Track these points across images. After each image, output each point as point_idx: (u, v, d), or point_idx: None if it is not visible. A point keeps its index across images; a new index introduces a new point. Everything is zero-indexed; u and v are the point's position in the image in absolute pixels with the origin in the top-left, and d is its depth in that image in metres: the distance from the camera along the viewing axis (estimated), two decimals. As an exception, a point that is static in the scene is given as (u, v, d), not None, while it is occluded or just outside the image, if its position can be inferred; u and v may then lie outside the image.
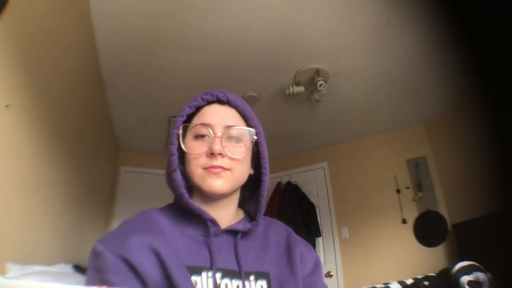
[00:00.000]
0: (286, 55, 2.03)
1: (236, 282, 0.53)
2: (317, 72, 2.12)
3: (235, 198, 0.63)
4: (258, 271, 0.56)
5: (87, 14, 1.59)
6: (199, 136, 0.57)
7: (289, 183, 3.30)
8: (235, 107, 0.61)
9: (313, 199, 3.22)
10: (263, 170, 0.61)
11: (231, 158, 0.56)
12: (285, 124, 2.89)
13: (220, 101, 0.61)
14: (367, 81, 2.31)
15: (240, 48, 1.94)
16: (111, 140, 2.84)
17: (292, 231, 0.68)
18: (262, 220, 0.64)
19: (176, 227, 0.56)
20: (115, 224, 2.85)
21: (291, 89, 2.18)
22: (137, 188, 3.13)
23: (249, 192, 0.67)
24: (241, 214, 0.65)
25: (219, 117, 0.58)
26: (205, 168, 0.55)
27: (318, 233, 3.07)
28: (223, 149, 0.55)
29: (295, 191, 3.22)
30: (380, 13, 1.73)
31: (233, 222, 0.61)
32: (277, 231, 0.65)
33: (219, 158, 0.55)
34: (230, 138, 0.58)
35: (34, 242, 1.15)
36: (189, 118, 0.61)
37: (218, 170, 0.55)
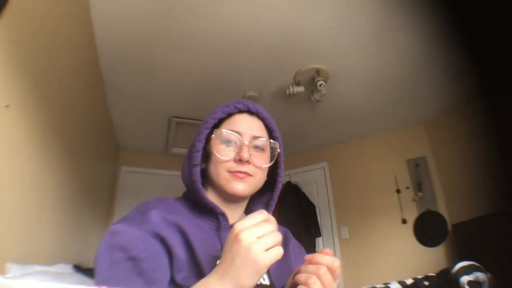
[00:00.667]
0: (286, 55, 2.03)
1: None
2: (317, 72, 2.12)
3: (246, 202, 0.69)
4: None
5: (87, 14, 1.59)
6: (228, 141, 0.62)
7: (289, 183, 3.30)
8: (262, 119, 0.68)
9: (313, 199, 3.22)
10: (278, 178, 0.68)
11: (256, 166, 0.62)
12: (285, 124, 2.89)
13: (250, 112, 0.67)
14: (367, 81, 2.31)
15: (240, 48, 1.94)
16: (111, 140, 2.84)
17: (288, 231, 0.74)
18: None
19: (190, 216, 0.60)
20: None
21: (291, 89, 2.18)
22: (137, 188, 3.13)
23: (257, 194, 0.72)
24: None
25: (248, 126, 0.64)
26: (230, 172, 0.61)
27: (318, 233, 3.07)
28: (250, 157, 0.61)
29: (295, 191, 3.22)
30: (380, 13, 1.73)
31: (238, 219, 0.65)
32: (298, 248, 0.71)
33: (246, 165, 0.60)
34: (255, 147, 0.63)
35: (34, 242, 1.15)
36: (219, 122, 0.65)
37: (243, 175, 0.60)
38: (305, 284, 0.44)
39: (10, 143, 0.95)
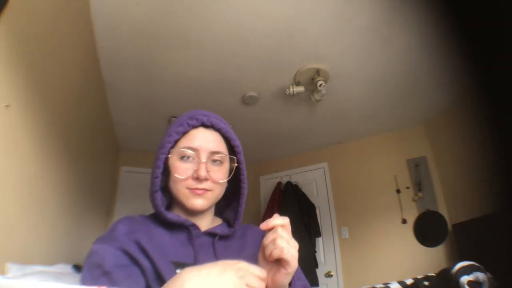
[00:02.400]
0: (286, 55, 2.03)
1: None
2: (317, 72, 2.12)
3: (212, 209, 0.71)
4: None
5: (87, 14, 1.59)
6: (185, 158, 0.64)
7: (289, 183, 3.30)
8: (218, 130, 0.68)
9: (313, 199, 3.22)
10: (242, 185, 0.70)
11: (213, 181, 0.64)
12: (285, 124, 2.89)
13: (204, 125, 0.67)
14: (367, 81, 2.31)
15: (240, 47, 1.94)
16: (111, 140, 2.84)
17: (250, 226, 0.77)
18: (240, 226, 0.73)
19: (163, 229, 0.64)
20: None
21: (291, 89, 2.18)
22: (137, 188, 3.12)
23: (225, 199, 0.73)
24: (218, 221, 0.73)
25: (204, 141, 0.65)
26: (189, 188, 0.63)
27: (318, 233, 3.07)
28: (207, 173, 0.63)
29: (295, 191, 3.22)
30: (380, 13, 1.73)
31: (211, 226, 0.69)
32: (253, 232, 0.73)
33: (204, 182, 0.63)
34: (213, 161, 0.65)
35: (34, 242, 1.15)
36: (175, 142, 0.67)
37: (201, 192, 0.63)
38: (274, 247, 0.48)
39: (10, 143, 0.95)
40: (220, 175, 0.65)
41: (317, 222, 3.11)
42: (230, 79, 2.24)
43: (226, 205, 0.75)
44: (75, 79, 1.56)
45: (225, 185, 0.69)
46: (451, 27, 1.60)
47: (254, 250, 0.65)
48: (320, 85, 2.08)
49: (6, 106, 0.89)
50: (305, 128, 3.00)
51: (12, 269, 0.87)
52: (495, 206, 1.98)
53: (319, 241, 3.12)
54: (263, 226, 0.51)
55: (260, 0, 1.62)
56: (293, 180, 3.39)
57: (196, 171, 0.62)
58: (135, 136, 3.03)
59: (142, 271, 0.55)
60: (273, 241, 0.49)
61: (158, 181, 0.64)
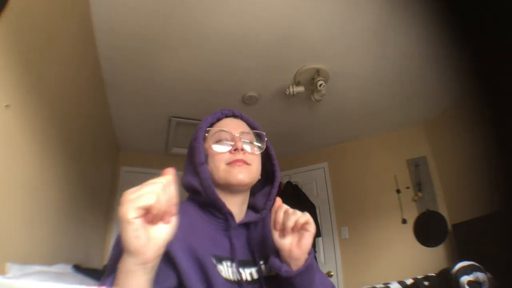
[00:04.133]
0: (286, 55, 2.03)
1: (249, 270, 0.61)
2: (317, 72, 2.12)
3: (247, 194, 0.72)
4: (265, 256, 0.64)
5: (88, 14, 1.59)
6: (220, 141, 0.68)
7: (289, 183, 3.30)
8: (246, 121, 0.76)
9: (313, 199, 3.22)
10: (275, 168, 0.74)
11: (251, 154, 0.68)
12: (285, 124, 2.89)
13: (234, 115, 0.76)
14: (367, 81, 2.31)
15: (240, 48, 1.94)
16: (111, 140, 2.84)
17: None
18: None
19: (202, 217, 0.65)
20: (115, 224, 2.84)
21: (291, 89, 2.17)
22: (137, 188, 3.12)
23: (256, 189, 0.76)
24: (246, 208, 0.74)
25: (234, 125, 0.71)
26: (228, 163, 0.65)
27: (318, 233, 3.07)
28: (243, 146, 0.67)
29: (295, 191, 3.22)
30: (380, 14, 1.73)
31: (243, 216, 0.69)
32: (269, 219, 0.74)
33: (241, 153, 0.66)
34: (245, 141, 0.70)
35: (34, 242, 1.15)
36: (211, 125, 0.72)
37: (241, 163, 0.65)
38: (289, 216, 0.56)
39: (10, 143, 0.95)
40: (255, 149, 0.70)
41: (317, 222, 3.11)
42: (230, 79, 2.24)
43: (254, 193, 0.76)
44: (75, 79, 1.56)
45: (260, 163, 0.71)
46: (450, 27, 1.60)
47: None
48: (320, 85, 2.08)
49: (6, 106, 0.89)
50: (305, 128, 3.00)
51: (12, 269, 0.87)
52: (495, 206, 1.98)
53: (319, 241, 3.12)
54: (274, 209, 0.58)
55: (260, 0, 1.62)
56: (293, 180, 3.39)
57: (232, 145, 0.66)
58: (135, 136, 3.03)
59: (177, 270, 0.53)
60: (285, 213, 0.56)
61: (202, 155, 0.65)
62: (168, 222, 0.44)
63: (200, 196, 0.65)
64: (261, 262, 0.64)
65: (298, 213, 0.57)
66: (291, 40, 1.89)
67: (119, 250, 0.43)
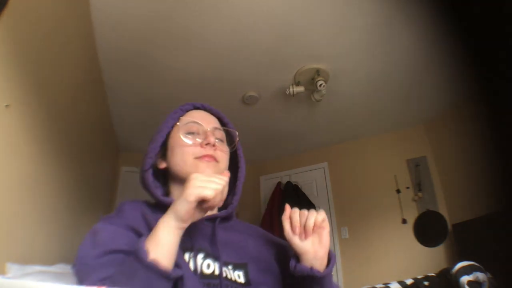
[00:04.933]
0: (286, 55, 2.03)
1: (218, 264, 0.59)
2: (317, 72, 2.12)
3: None
4: (236, 262, 0.61)
5: (88, 14, 1.59)
6: (191, 133, 0.65)
7: (289, 183, 3.30)
8: (215, 115, 0.73)
9: (313, 199, 3.22)
10: (240, 159, 0.72)
11: (221, 150, 0.65)
12: (285, 124, 2.89)
13: (204, 108, 0.73)
14: (367, 81, 2.31)
15: (240, 48, 1.94)
16: (111, 140, 2.84)
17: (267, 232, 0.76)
18: (239, 221, 0.72)
19: (157, 216, 0.61)
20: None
21: (291, 89, 2.17)
22: (137, 188, 3.07)
23: None
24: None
25: (206, 119, 0.69)
26: (198, 158, 0.63)
27: (318, 233, 3.07)
28: (215, 141, 0.64)
29: (295, 191, 3.22)
30: (380, 14, 1.73)
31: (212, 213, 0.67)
32: (256, 228, 0.74)
33: (212, 149, 0.63)
34: (216, 138, 0.67)
35: (34, 242, 1.15)
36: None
37: (210, 159, 0.63)
38: (306, 218, 0.57)
39: (10, 143, 0.95)
40: (225, 147, 0.68)
41: (317, 222, 3.11)
42: (230, 79, 2.23)
43: None
44: (75, 79, 1.56)
45: (227, 162, 0.69)
46: (451, 27, 1.60)
47: (258, 242, 0.67)
48: (320, 85, 2.08)
49: (6, 106, 0.89)
50: (305, 128, 3.00)
51: (12, 269, 0.87)
52: (495, 206, 1.98)
53: (319, 241, 3.11)
54: (285, 217, 0.60)
55: (260, 0, 1.62)
56: (293, 180, 3.39)
57: (204, 138, 0.64)
58: (135, 136, 3.03)
59: None
60: (301, 215, 0.58)
61: (150, 161, 0.65)
62: (212, 210, 0.55)
63: (154, 199, 0.65)
64: (230, 267, 0.60)
65: (313, 212, 0.58)
66: (291, 40, 1.89)
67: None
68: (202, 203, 0.49)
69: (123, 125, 2.79)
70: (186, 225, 0.50)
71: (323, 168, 3.38)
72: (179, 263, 0.50)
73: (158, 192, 0.65)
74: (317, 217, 0.57)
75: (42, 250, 1.23)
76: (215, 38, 1.85)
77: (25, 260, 0.99)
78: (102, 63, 1.98)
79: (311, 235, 0.56)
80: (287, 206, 0.61)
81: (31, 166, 1.11)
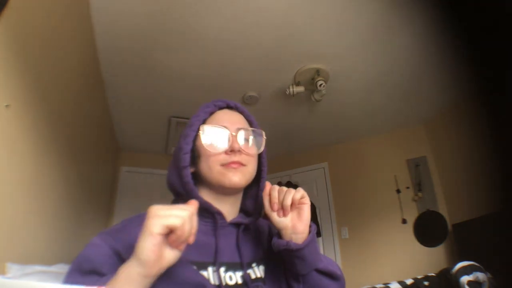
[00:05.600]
0: (286, 55, 2.03)
1: (240, 273, 0.59)
2: (317, 72, 2.12)
3: (241, 195, 0.69)
4: (257, 258, 0.63)
5: (87, 14, 1.59)
6: (215, 137, 0.63)
7: (289, 183, 3.30)
8: (241, 112, 0.70)
9: (313, 199, 3.22)
10: (263, 168, 0.69)
11: (247, 154, 0.63)
12: (285, 124, 2.89)
13: (229, 107, 0.69)
14: (367, 81, 2.31)
15: (240, 48, 1.94)
16: (111, 140, 2.84)
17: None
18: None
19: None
20: (115, 224, 2.85)
21: (291, 89, 2.17)
22: (137, 188, 3.13)
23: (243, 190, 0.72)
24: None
25: (231, 120, 0.66)
26: (224, 165, 0.61)
27: (318, 233, 3.07)
28: (240, 146, 0.62)
29: (295, 191, 3.22)
30: (380, 13, 1.73)
31: (235, 216, 0.66)
32: (261, 223, 0.73)
33: (238, 154, 0.62)
34: (242, 139, 0.64)
35: (34, 242, 1.15)
36: (203, 121, 0.67)
37: (236, 165, 0.61)
38: (283, 195, 0.57)
39: (10, 143, 0.95)
40: (252, 148, 0.65)
41: (317, 222, 3.11)
42: (230, 79, 2.24)
43: (244, 194, 0.72)
44: (75, 79, 1.56)
45: (256, 163, 0.67)
46: (451, 27, 1.60)
47: (267, 242, 0.68)
48: (320, 85, 2.08)
49: (6, 106, 0.89)
50: (305, 128, 3.00)
51: (12, 269, 0.87)
52: (495, 206, 1.98)
53: (319, 241, 3.12)
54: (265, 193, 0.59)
55: (260, 0, 1.62)
56: (293, 180, 3.39)
57: (229, 145, 0.62)
58: (135, 136, 3.03)
59: None
60: (280, 192, 0.57)
61: (187, 157, 0.61)
62: (180, 249, 0.45)
63: (183, 199, 0.62)
64: (253, 265, 0.62)
65: (291, 189, 0.57)
66: (291, 40, 1.89)
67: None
68: (168, 236, 0.43)
69: (123, 125, 2.80)
70: (152, 272, 0.42)
71: (323, 168, 3.38)
72: (200, 281, 0.51)
73: (195, 189, 0.61)
74: (295, 194, 0.56)
75: (42, 250, 1.23)
76: (215, 38, 1.85)
77: (25, 260, 0.99)
78: (102, 63, 1.98)
79: (289, 212, 0.57)
80: (267, 183, 0.61)
81: (31, 166, 1.11)
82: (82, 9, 1.54)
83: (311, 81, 2.18)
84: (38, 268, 1.00)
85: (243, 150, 0.62)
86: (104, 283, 0.44)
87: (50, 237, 1.33)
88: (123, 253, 0.52)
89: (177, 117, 2.68)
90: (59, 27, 1.28)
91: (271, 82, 2.30)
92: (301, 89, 2.20)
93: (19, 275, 0.87)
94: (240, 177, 0.61)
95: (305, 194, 0.57)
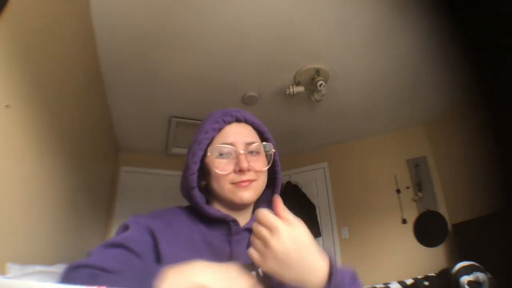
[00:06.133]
0: (286, 55, 2.03)
1: (253, 272, 0.59)
2: (317, 72, 2.12)
3: (252, 204, 0.71)
4: None
5: (88, 14, 1.59)
6: (223, 154, 0.64)
7: (289, 183, 3.30)
8: (251, 124, 0.69)
9: (313, 199, 3.22)
10: (277, 176, 0.71)
11: (256, 171, 0.64)
12: (285, 124, 2.89)
13: (238, 120, 0.68)
14: (367, 81, 2.31)
15: (240, 48, 1.94)
16: (111, 140, 2.84)
17: None
18: None
19: (195, 226, 0.64)
20: (115, 224, 2.85)
21: (291, 89, 2.17)
22: (137, 188, 3.12)
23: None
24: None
25: (239, 135, 0.66)
26: (233, 183, 0.62)
27: (318, 233, 3.07)
28: (249, 164, 0.62)
29: (295, 191, 3.22)
30: (380, 13, 1.73)
31: (248, 220, 0.69)
32: None
33: (247, 173, 0.62)
34: (250, 152, 0.65)
35: (34, 242, 1.15)
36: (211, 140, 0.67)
37: (246, 184, 0.62)
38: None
39: (10, 143, 0.95)
40: (260, 164, 0.65)
41: (317, 222, 3.11)
42: (230, 79, 2.23)
43: (261, 199, 0.73)
44: (75, 79, 1.56)
45: (266, 174, 0.68)
46: (451, 27, 1.60)
47: None
48: (320, 85, 2.08)
49: (6, 106, 0.89)
50: (305, 128, 3.00)
51: (12, 269, 0.87)
52: (495, 206, 1.98)
53: (319, 241, 3.11)
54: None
55: (260, 0, 1.62)
56: (293, 180, 3.39)
57: (237, 164, 0.62)
58: (135, 136, 3.03)
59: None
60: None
61: (194, 178, 0.63)
62: None
63: (199, 211, 0.65)
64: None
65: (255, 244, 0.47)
66: (291, 40, 1.89)
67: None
68: None
69: (123, 125, 2.79)
70: None
71: (323, 168, 3.38)
72: None
73: (206, 207, 0.64)
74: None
75: (42, 250, 1.23)
76: (215, 38, 1.85)
77: (25, 260, 0.99)
78: (102, 63, 1.98)
79: None
80: (277, 201, 0.51)
81: (31, 166, 1.11)
82: (83, 8, 1.53)
83: (311, 81, 2.18)
84: (38, 268, 1.00)
85: (252, 168, 0.63)
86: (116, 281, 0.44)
87: (50, 237, 1.33)
88: (156, 231, 0.57)
89: (177, 117, 2.68)
90: (60, 27, 1.28)
91: (271, 82, 2.30)
92: (301, 89, 2.20)
93: (19, 275, 0.87)
94: (250, 194, 0.63)
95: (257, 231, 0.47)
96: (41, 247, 1.22)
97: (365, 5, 1.68)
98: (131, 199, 3.03)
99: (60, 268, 1.19)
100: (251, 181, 0.63)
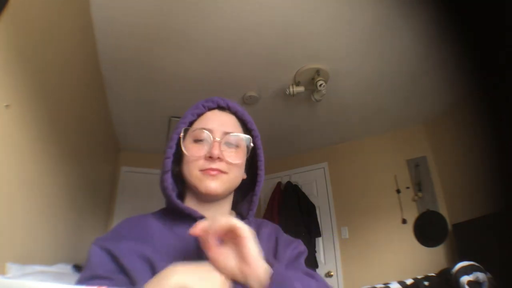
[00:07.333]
0: (286, 55, 2.03)
1: None
2: (317, 72, 2.12)
3: (229, 200, 0.65)
4: None
5: (88, 14, 1.59)
6: (199, 140, 0.60)
7: (289, 183, 3.30)
8: (234, 113, 0.65)
9: (313, 199, 3.22)
10: (259, 172, 0.65)
11: (228, 163, 0.59)
12: (285, 124, 2.89)
13: (220, 107, 0.64)
14: (367, 81, 2.31)
15: (240, 48, 1.94)
16: (111, 140, 2.84)
17: (280, 228, 0.70)
18: (254, 220, 0.67)
19: (166, 228, 0.58)
20: (115, 224, 2.85)
21: (291, 89, 2.17)
22: (137, 188, 3.13)
23: (241, 195, 0.69)
24: (233, 216, 0.66)
25: (218, 122, 0.62)
26: (202, 170, 0.58)
27: (318, 233, 3.07)
28: (221, 153, 0.58)
29: (295, 191, 3.22)
30: (380, 13, 1.73)
31: None
32: (267, 227, 0.67)
33: (217, 162, 0.58)
34: (228, 143, 0.61)
35: (34, 242, 1.15)
36: (190, 123, 0.63)
37: (215, 172, 0.58)
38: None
39: (10, 143, 0.95)
40: (235, 157, 0.60)
41: (317, 222, 3.11)
42: (230, 79, 2.23)
43: (242, 198, 0.69)
44: (75, 79, 1.56)
45: (242, 170, 0.63)
46: (451, 27, 1.60)
47: (267, 248, 0.61)
48: (320, 85, 2.08)
49: (6, 106, 0.89)
50: (305, 128, 3.00)
51: (12, 269, 0.87)
52: (495, 206, 1.98)
53: (319, 241, 3.11)
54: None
55: (260, 0, 1.62)
56: (293, 180, 3.39)
57: (209, 150, 0.58)
58: (135, 136, 3.03)
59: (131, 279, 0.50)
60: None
61: (169, 162, 0.60)
62: None
63: (167, 203, 0.61)
64: None
65: (218, 220, 0.43)
66: (291, 40, 1.89)
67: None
68: None
69: (123, 125, 2.79)
70: None
71: (323, 168, 3.38)
72: None
73: (173, 195, 0.59)
74: (221, 220, 0.44)
75: (42, 250, 1.23)
76: (216, 38, 1.85)
77: (25, 260, 0.99)
78: (102, 63, 1.98)
79: (227, 253, 0.45)
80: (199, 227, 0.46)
81: (31, 166, 1.11)
82: (83, 8, 1.53)
83: (311, 81, 2.18)
84: (38, 268, 1.00)
85: (224, 158, 0.58)
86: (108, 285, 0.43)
87: (50, 237, 1.33)
88: (118, 256, 0.51)
89: (177, 117, 2.68)
90: (60, 27, 1.28)
91: (271, 82, 2.30)
92: (301, 89, 2.20)
93: (19, 275, 0.87)
94: (217, 185, 0.58)
95: (235, 222, 0.42)
96: (41, 247, 1.22)
97: (365, 6, 1.68)
98: (131, 199, 3.03)
99: (60, 268, 1.19)
100: (220, 171, 0.58)
